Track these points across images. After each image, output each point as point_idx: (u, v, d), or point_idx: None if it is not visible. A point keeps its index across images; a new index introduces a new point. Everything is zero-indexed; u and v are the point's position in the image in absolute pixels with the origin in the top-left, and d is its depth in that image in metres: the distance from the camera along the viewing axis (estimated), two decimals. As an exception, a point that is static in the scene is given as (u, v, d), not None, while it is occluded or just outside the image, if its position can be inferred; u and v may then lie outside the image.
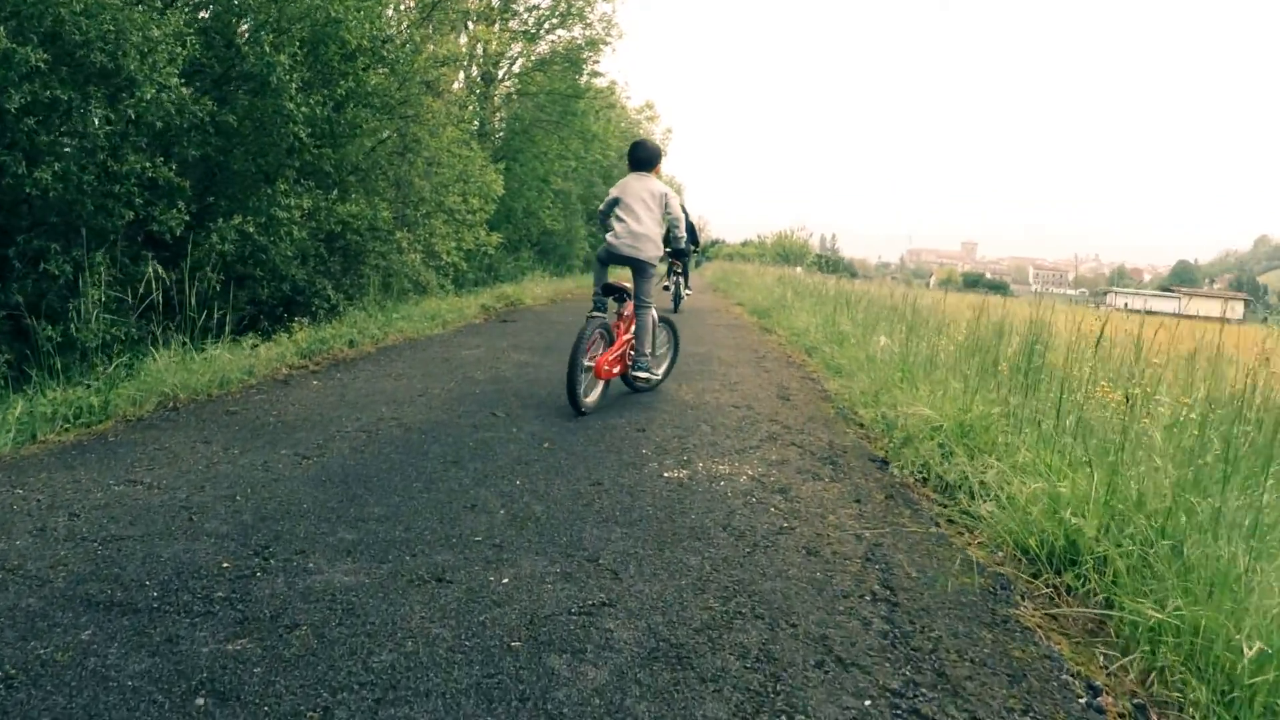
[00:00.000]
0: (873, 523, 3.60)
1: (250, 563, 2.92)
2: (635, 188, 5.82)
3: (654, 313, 6.08)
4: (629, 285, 5.99)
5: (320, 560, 2.94)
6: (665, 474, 4.16)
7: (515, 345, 9.11)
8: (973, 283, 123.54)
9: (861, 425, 5.58)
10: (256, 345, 8.07)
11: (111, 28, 6.66)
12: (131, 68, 6.60)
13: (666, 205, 5.85)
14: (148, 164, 7.33)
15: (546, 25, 21.28)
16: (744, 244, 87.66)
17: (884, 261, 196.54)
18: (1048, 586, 3.05)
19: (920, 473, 4.43)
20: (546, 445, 4.66)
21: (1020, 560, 3.30)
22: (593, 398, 5.74)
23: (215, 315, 8.38)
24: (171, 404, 5.63)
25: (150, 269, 6.92)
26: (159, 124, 7.20)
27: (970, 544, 3.47)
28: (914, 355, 7.07)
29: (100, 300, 6.85)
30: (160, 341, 6.76)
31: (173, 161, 7.97)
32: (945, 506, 3.96)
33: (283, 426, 5.01)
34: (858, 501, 3.88)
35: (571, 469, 4.20)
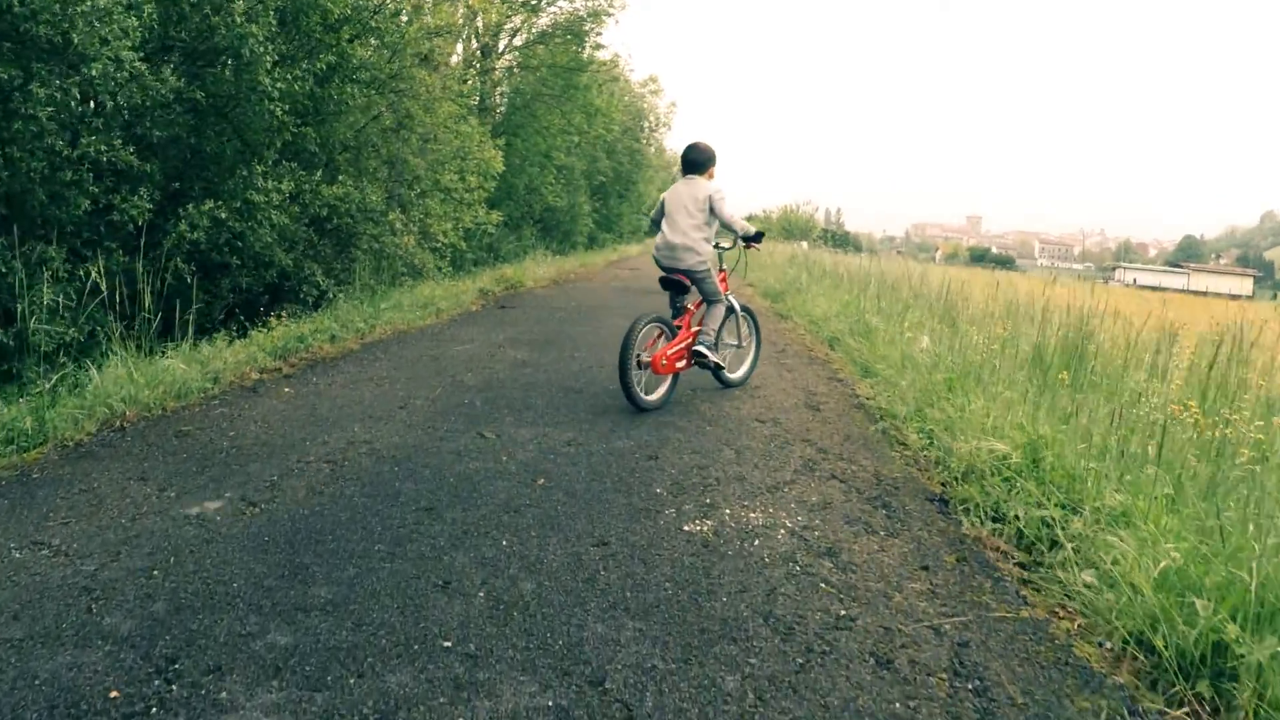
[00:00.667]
0: (950, 603, 2.86)
1: (147, 689, 2.20)
2: (680, 194, 5.68)
3: (730, 303, 5.98)
4: (686, 278, 5.72)
5: (237, 684, 2.22)
6: (685, 526, 3.43)
7: (512, 339, 8.37)
8: (979, 257, 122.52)
9: (905, 445, 4.84)
10: (232, 341, 7.37)
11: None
12: (77, 41, 5.83)
13: (711, 208, 5.58)
14: (103, 147, 6.58)
15: (547, -4, 20.41)
16: (749, 218, 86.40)
17: (889, 235, 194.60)
18: (1182, 708, 2.33)
19: (989, 516, 3.70)
20: (541, 482, 3.92)
21: (1138, 657, 2.58)
22: (657, 395, 5.57)
23: (189, 310, 7.70)
24: (119, 422, 4.92)
25: (98, 264, 6.18)
26: (109, 103, 6.42)
27: (1073, 632, 2.74)
28: (957, 357, 6.34)
29: (46, 302, 6.12)
30: (120, 345, 6.06)
31: (133, 144, 7.22)
32: (1030, 571, 3.23)
33: (236, 455, 4.29)
34: (925, 569, 3.14)
35: (570, 519, 3.47)
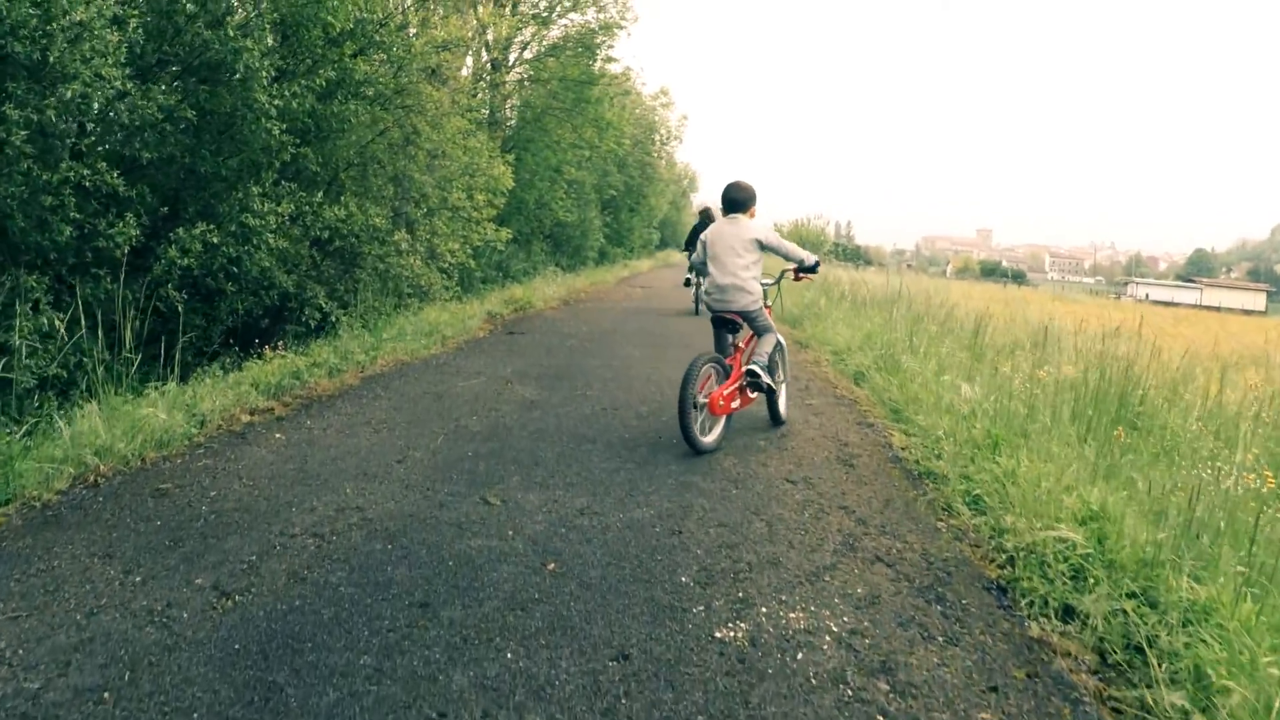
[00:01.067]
0: (1032, 744, 2.43)
1: None
2: (726, 234, 5.64)
3: (778, 338, 5.95)
4: (736, 316, 5.71)
5: None
6: (717, 632, 2.98)
7: (521, 372, 7.95)
8: (989, 271, 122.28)
9: (950, 512, 4.40)
10: (227, 372, 7.02)
11: (34, 12, 5.51)
12: (53, 59, 5.45)
13: (763, 247, 5.64)
14: (85, 171, 6.20)
15: (559, 9, 20.03)
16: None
17: (899, 249, 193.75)
18: None
19: (1056, 612, 3.27)
20: (552, 567, 3.49)
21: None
22: (713, 436, 5.44)
23: (182, 338, 7.36)
24: (92, 478, 4.53)
25: (76, 300, 5.81)
26: (90, 125, 6.05)
27: (1181, 784, 2.31)
28: (996, 402, 5.91)
29: (19, 339, 5.75)
30: (101, 386, 5.68)
31: (123, 165, 6.85)
32: (1109, 684, 2.80)
33: (214, 524, 3.88)
34: (994, 690, 2.71)
35: (586, 620, 3.04)
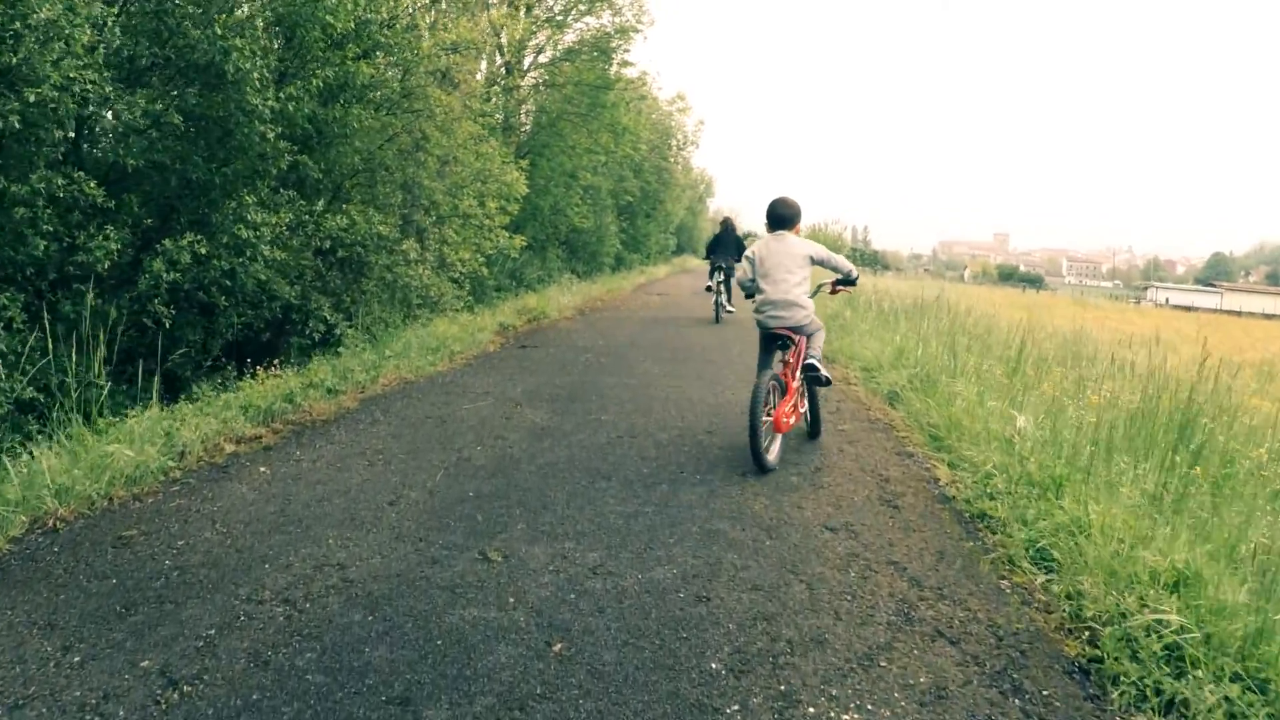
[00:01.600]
0: None
1: None
2: (777, 251, 5.62)
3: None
4: (790, 333, 5.64)
5: None
6: (756, 745, 2.46)
7: (531, 393, 7.45)
8: (1007, 276, 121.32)
9: (1013, 566, 3.86)
10: (222, 390, 6.59)
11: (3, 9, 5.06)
12: (15, 60, 4.98)
13: (813, 261, 5.66)
14: (60, 180, 5.76)
15: (574, 13, 19.58)
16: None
17: (916, 253, 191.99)
18: None
19: (1154, 704, 2.74)
20: (559, 648, 2.96)
21: None
22: (774, 454, 5.39)
23: (174, 354, 6.95)
24: (52, 521, 4.07)
25: (60, 310, 5.37)
26: (58, 133, 5.60)
27: None
28: (1055, 432, 5.39)
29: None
30: (75, 410, 5.25)
31: (110, 174, 6.41)
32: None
33: (176, 583, 3.41)
34: (1106, 830, 2.19)
35: (598, 723, 2.53)
